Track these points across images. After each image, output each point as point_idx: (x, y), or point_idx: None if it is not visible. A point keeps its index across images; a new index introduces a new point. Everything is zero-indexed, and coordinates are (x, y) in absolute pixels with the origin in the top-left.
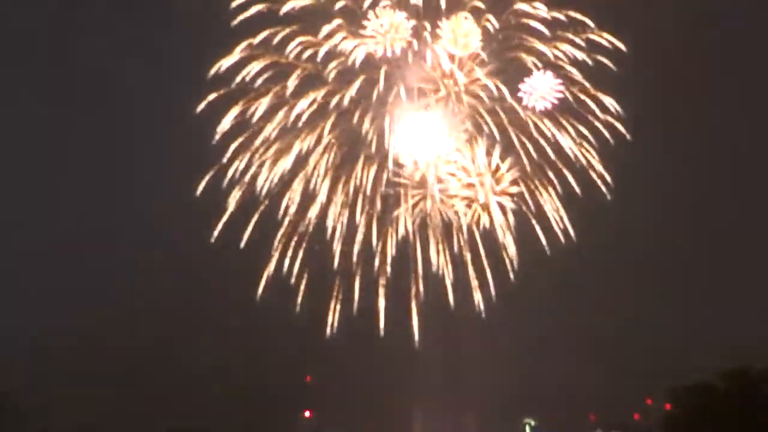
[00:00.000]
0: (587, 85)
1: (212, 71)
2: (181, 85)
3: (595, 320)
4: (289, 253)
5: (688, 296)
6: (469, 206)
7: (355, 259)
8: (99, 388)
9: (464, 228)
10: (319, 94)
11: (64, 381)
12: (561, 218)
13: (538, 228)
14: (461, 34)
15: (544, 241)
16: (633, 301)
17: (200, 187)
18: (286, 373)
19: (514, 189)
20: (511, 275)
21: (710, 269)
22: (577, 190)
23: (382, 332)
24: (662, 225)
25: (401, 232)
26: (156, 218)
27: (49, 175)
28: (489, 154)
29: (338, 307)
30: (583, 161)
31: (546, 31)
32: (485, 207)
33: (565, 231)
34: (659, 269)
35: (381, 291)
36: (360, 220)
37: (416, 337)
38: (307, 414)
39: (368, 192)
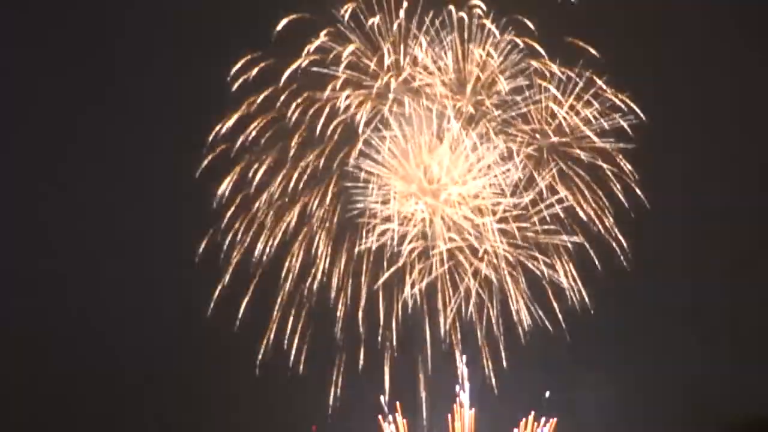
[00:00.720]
0: (600, 144)
1: (213, 132)
2: (181, 147)
3: (606, 386)
4: (290, 319)
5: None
6: (474, 254)
7: (360, 322)
8: None
9: (471, 283)
10: (323, 153)
11: None
12: (575, 281)
13: (549, 291)
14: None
15: (556, 306)
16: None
17: (199, 251)
18: (291, 424)
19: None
20: (523, 340)
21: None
22: (593, 255)
23: (386, 406)
24: (682, 296)
25: (407, 291)
26: (155, 284)
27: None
28: (496, 204)
29: (341, 374)
30: (600, 226)
31: (557, 93)
32: (491, 258)
33: (579, 296)
34: (675, 335)
35: (387, 358)
36: (363, 279)
37: (423, 413)
38: None
39: (372, 249)
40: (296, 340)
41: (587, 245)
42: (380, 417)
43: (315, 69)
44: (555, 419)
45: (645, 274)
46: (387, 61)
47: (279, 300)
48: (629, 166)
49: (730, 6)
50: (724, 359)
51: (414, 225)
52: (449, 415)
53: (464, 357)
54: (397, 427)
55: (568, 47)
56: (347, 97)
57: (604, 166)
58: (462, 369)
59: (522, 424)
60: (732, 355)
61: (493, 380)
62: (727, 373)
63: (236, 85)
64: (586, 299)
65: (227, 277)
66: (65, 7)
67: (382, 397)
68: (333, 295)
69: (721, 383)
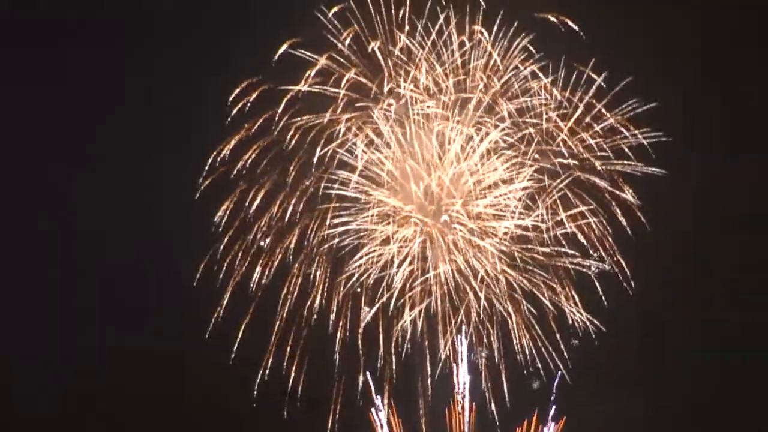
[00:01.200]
0: (600, 167)
1: (212, 156)
2: (181, 170)
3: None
4: (290, 342)
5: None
6: (474, 276)
7: (360, 345)
8: None
9: (472, 304)
10: (322, 176)
11: None
12: (576, 303)
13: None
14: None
15: (558, 335)
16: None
17: (198, 274)
18: None
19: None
20: (523, 362)
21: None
22: (596, 281)
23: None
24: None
25: (406, 314)
26: (154, 306)
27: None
28: (497, 226)
29: (341, 394)
30: (601, 250)
31: (555, 117)
32: (491, 280)
33: (581, 318)
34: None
35: (386, 381)
36: (363, 302)
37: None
38: None
39: (371, 271)
40: (295, 364)
41: (588, 269)
42: (372, 411)
43: (315, 91)
44: (564, 417)
45: (647, 296)
46: (387, 84)
47: (278, 323)
48: (630, 190)
49: (730, 31)
50: (733, 378)
51: (413, 247)
52: (446, 409)
53: (464, 379)
54: (391, 427)
55: (569, 70)
56: (348, 120)
57: (606, 188)
58: (464, 393)
59: (525, 423)
60: (742, 374)
61: (494, 405)
62: (736, 393)
63: (236, 109)
64: (588, 322)
65: (226, 299)
66: (64, 31)
67: (379, 402)
68: (332, 317)
69: (730, 402)
